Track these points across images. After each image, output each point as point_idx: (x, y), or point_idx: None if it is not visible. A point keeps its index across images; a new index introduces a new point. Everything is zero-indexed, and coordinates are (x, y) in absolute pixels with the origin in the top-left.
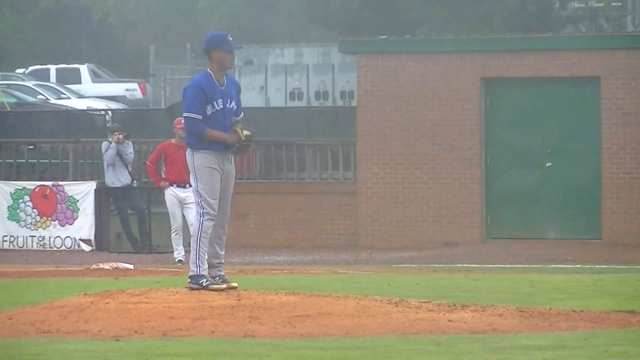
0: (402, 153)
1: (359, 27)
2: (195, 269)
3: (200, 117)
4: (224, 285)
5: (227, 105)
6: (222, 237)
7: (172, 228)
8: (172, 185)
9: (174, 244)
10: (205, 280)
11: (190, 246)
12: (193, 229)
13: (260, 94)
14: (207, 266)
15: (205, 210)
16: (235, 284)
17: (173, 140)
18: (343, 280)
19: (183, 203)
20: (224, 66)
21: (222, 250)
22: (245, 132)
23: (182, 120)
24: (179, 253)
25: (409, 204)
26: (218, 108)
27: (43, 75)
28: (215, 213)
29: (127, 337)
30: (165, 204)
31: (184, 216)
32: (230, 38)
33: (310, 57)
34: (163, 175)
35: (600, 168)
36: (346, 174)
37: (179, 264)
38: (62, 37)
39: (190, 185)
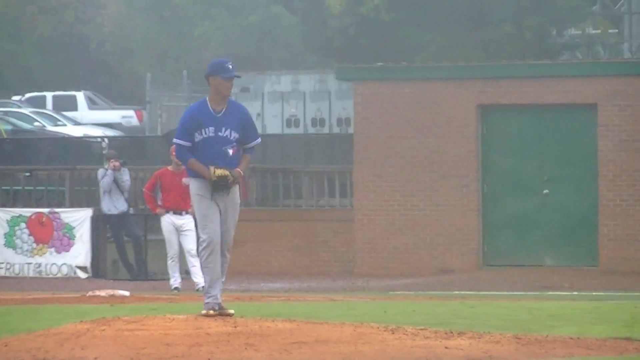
0: (398, 180)
1: (355, 54)
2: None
3: (186, 143)
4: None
5: (220, 133)
6: (224, 264)
7: (168, 255)
8: (168, 212)
9: (170, 271)
10: (205, 305)
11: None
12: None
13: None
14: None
15: (201, 238)
16: (231, 311)
17: (170, 167)
18: (339, 307)
19: (179, 230)
20: (221, 93)
21: (222, 277)
22: (219, 172)
23: None
24: (175, 280)
25: (405, 231)
26: (207, 135)
27: (39, 102)
28: (211, 239)
29: None
30: (162, 231)
31: (180, 243)
32: (230, 66)
33: (307, 84)
34: (159, 202)
35: (597, 195)
36: (343, 201)
37: (175, 292)
38: (58, 64)
39: (187, 213)
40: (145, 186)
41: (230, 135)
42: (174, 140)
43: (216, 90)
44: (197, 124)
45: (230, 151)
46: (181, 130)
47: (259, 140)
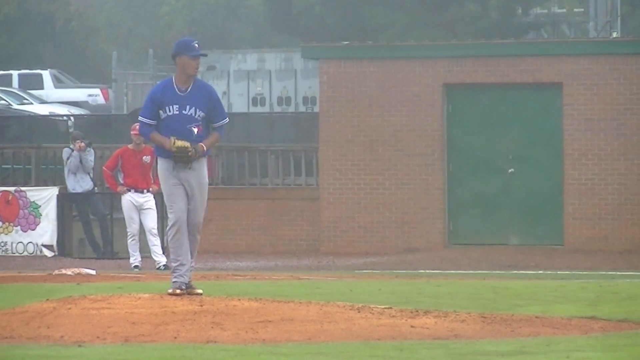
0: (364, 159)
1: (321, 33)
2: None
3: (150, 121)
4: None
5: (185, 111)
6: (193, 244)
7: (128, 233)
8: (129, 191)
9: (130, 250)
10: (172, 284)
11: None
12: None
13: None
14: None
15: (168, 216)
16: (200, 291)
17: (130, 146)
18: (305, 286)
19: (140, 208)
20: (187, 72)
21: (192, 259)
22: (179, 143)
23: (137, 126)
24: (135, 259)
25: (371, 209)
26: (170, 113)
27: (5, 81)
28: (177, 218)
29: (89, 343)
30: (122, 209)
31: (141, 222)
32: (197, 45)
33: (272, 62)
34: (121, 181)
35: (562, 174)
36: (308, 180)
37: (136, 270)
38: (24, 43)
39: (148, 191)
40: (106, 165)
41: (195, 114)
42: (139, 117)
43: (182, 70)
44: (160, 102)
45: (195, 130)
46: (145, 107)
47: (227, 119)
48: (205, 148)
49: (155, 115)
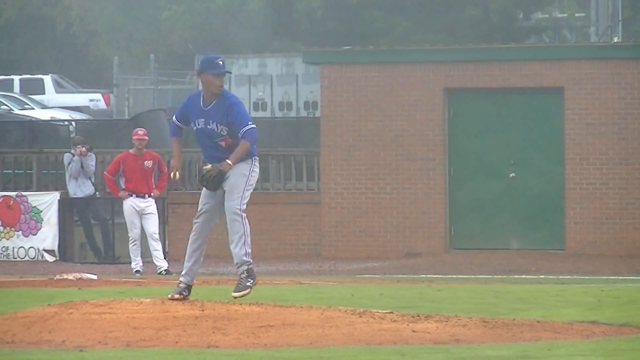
0: (365, 163)
1: (322, 37)
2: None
3: (179, 124)
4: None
5: (209, 126)
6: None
7: (129, 238)
8: (131, 196)
9: (131, 255)
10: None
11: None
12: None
13: None
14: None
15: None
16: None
17: (131, 151)
18: (307, 291)
19: (142, 213)
20: (210, 90)
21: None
22: (204, 169)
23: (140, 132)
24: (137, 264)
25: (372, 214)
26: (198, 127)
27: (6, 86)
28: (198, 219)
29: (90, 348)
30: (124, 214)
31: (142, 227)
32: (221, 62)
33: (273, 67)
34: (122, 186)
35: (564, 178)
36: (310, 185)
37: (137, 275)
38: (25, 48)
39: (149, 196)
40: (107, 169)
41: (217, 129)
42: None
43: (206, 87)
44: (189, 113)
45: (223, 143)
46: (178, 111)
47: (249, 125)
48: (231, 163)
49: (184, 120)
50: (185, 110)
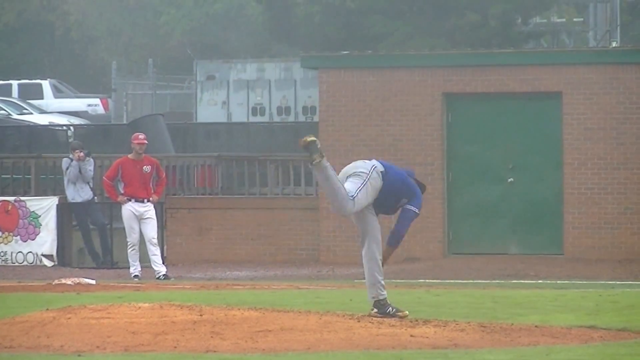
0: None
1: (320, 42)
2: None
3: None
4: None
5: None
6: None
7: (128, 243)
8: (130, 200)
9: (130, 260)
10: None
11: None
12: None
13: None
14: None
15: None
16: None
17: (130, 156)
18: (305, 296)
19: (141, 218)
20: None
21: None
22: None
23: (140, 136)
24: (135, 269)
25: None
26: None
27: (5, 91)
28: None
29: (89, 352)
30: (122, 219)
31: (141, 232)
32: None
33: (272, 72)
34: (121, 191)
35: (562, 183)
36: (308, 189)
37: (136, 279)
38: (24, 52)
39: (148, 201)
40: (106, 174)
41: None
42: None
43: None
44: None
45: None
46: None
47: None
48: None
49: None
50: None
